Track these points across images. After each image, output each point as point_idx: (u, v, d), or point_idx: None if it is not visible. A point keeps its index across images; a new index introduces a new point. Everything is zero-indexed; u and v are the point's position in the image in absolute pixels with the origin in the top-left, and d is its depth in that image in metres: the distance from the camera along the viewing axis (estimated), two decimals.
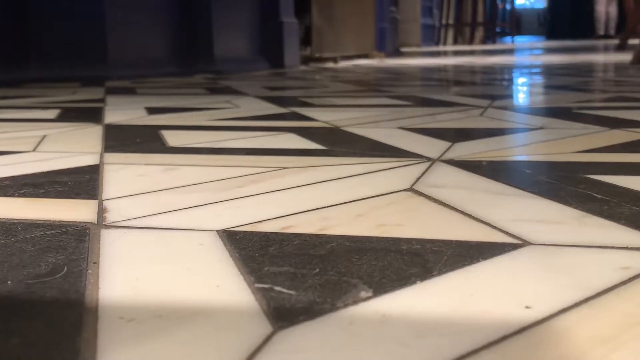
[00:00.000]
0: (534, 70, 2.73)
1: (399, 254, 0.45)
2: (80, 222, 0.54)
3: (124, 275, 0.42)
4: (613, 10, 9.16)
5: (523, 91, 1.83)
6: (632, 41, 4.64)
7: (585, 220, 0.52)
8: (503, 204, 0.57)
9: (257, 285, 0.40)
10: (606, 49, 5.26)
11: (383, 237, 0.48)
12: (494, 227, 0.50)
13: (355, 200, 0.59)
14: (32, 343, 0.33)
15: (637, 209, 0.54)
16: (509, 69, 2.92)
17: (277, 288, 0.39)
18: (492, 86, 1.96)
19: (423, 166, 0.74)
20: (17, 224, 0.54)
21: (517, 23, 11.27)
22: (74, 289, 0.40)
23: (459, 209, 0.56)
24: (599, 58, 3.76)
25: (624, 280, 0.39)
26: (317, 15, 3.55)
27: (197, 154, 0.86)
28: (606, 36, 9.00)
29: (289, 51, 3.21)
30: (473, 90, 1.79)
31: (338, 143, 0.92)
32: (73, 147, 0.94)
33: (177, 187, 0.66)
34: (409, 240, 0.48)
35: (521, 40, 10.01)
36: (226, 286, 0.40)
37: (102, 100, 1.65)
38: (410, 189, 0.63)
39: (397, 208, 0.57)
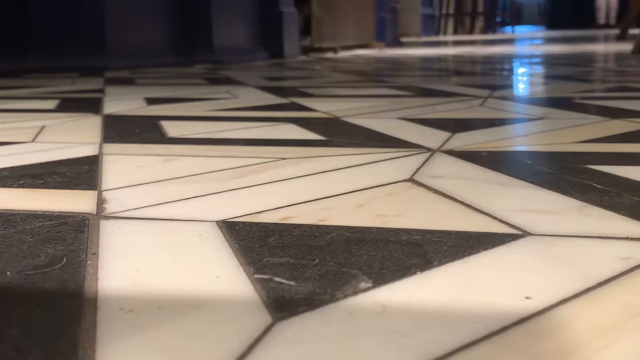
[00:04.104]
0: (534, 60, 2.73)
1: (399, 244, 0.45)
2: (79, 212, 0.54)
3: (123, 266, 0.42)
4: None
5: (523, 81, 1.82)
6: (633, 31, 4.62)
7: (585, 211, 0.52)
8: (503, 195, 0.57)
9: (256, 276, 0.40)
10: (606, 38, 5.24)
11: (383, 228, 0.48)
12: (494, 218, 0.50)
13: (355, 191, 0.59)
14: (31, 334, 0.33)
15: (638, 199, 0.54)
16: (509, 58, 2.91)
17: (277, 279, 0.39)
18: (492, 76, 1.95)
19: (423, 156, 0.74)
20: (16, 215, 0.54)
21: (517, 13, 11.24)
22: (73, 279, 0.40)
23: (459, 199, 0.56)
24: (599, 48, 3.75)
25: (625, 271, 0.39)
26: (316, 4, 3.54)
27: (197, 144, 0.86)
28: (607, 26, 8.97)
29: (288, 41, 3.20)
30: (473, 81, 1.78)
31: (338, 133, 0.92)
32: (72, 137, 0.93)
33: (177, 178, 0.66)
34: (408, 231, 0.47)
35: (521, 30, 9.98)
36: (226, 277, 0.40)
37: (101, 91, 1.65)
38: (410, 180, 0.63)
39: (397, 198, 0.57)
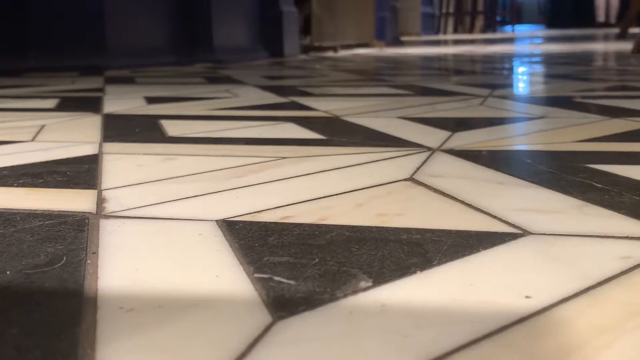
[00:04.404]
0: (534, 59, 2.72)
1: (399, 243, 0.45)
2: (79, 212, 0.54)
3: (123, 265, 0.42)
4: None
5: (523, 80, 1.82)
6: (633, 30, 4.62)
7: (585, 210, 0.52)
8: (503, 194, 0.57)
9: (256, 275, 0.40)
10: (606, 37, 5.24)
11: (383, 227, 0.48)
12: (494, 217, 0.50)
13: (355, 190, 0.59)
14: (31, 333, 0.33)
15: (638, 198, 0.54)
16: (509, 57, 2.91)
17: (277, 278, 0.39)
18: (492, 75, 1.95)
19: (423, 156, 0.74)
20: (16, 214, 0.54)
21: (517, 12, 11.22)
22: (73, 279, 0.40)
23: (459, 198, 0.56)
24: (599, 47, 3.75)
25: (625, 270, 0.39)
26: (316, 4, 3.53)
27: (197, 143, 0.86)
28: (607, 25, 8.96)
29: (288, 40, 3.20)
30: (473, 80, 1.78)
31: (338, 133, 0.92)
32: (72, 136, 0.93)
33: (177, 177, 0.66)
34: (408, 230, 0.47)
35: (521, 29, 9.98)
36: (226, 276, 0.40)
37: (101, 90, 1.65)
38: (410, 179, 0.63)
39: (397, 198, 0.57)
